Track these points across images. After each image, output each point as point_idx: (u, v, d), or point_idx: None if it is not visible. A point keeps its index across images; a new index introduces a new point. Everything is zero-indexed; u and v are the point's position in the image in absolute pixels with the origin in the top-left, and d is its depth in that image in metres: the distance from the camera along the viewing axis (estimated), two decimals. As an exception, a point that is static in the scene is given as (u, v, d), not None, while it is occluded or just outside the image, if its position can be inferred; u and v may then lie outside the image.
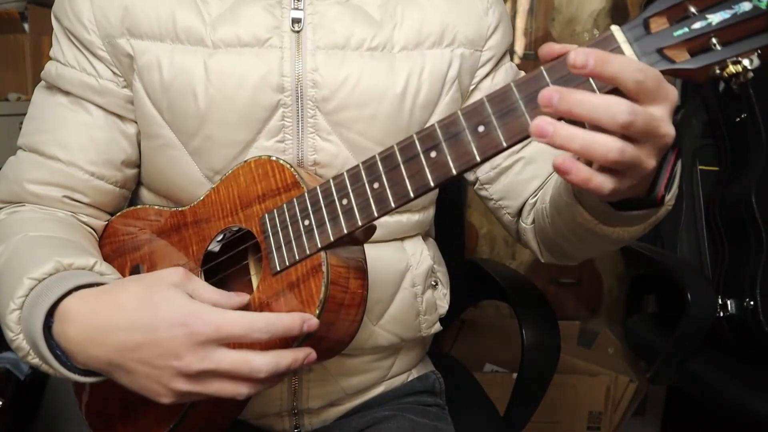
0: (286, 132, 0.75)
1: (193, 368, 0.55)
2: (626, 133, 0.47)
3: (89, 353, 0.59)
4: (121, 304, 0.58)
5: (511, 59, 0.91)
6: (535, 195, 0.85)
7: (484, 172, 0.87)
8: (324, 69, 0.74)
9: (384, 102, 0.76)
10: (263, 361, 0.56)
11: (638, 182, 0.51)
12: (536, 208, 0.83)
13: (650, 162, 0.49)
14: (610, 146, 0.47)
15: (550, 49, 0.50)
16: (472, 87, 0.85)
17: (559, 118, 0.48)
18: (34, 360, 0.62)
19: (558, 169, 0.48)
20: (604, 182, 0.49)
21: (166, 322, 0.56)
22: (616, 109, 0.45)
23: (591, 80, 0.49)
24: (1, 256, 0.67)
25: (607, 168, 0.49)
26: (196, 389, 0.57)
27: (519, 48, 2.11)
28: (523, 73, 0.53)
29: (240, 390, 0.57)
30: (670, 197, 0.61)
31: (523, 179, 0.85)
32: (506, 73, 0.88)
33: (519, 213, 0.88)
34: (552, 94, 0.47)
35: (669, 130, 0.48)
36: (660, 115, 0.48)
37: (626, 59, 0.47)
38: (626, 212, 0.61)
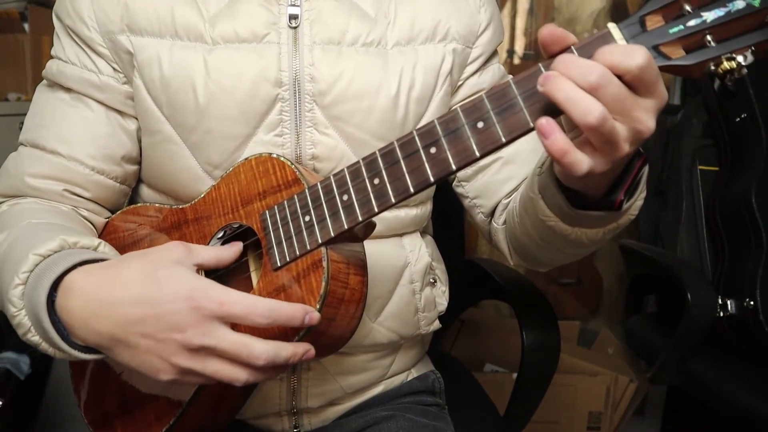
0: (284, 126, 0.76)
1: (194, 342, 0.56)
2: (595, 96, 0.48)
3: (91, 327, 0.59)
4: (124, 279, 0.59)
5: (511, 59, 0.91)
6: (509, 196, 0.85)
7: None
8: (320, 64, 0.75)
9: (379, 96, 0.77)
10: (263, 349, 0.57)
11: (610, 168, 0.52)
12: (508, 209, 0.83)
13: (625, 145, 0.50)
14: (592, 107, 0.48)
15: (551, 30, 0.51)
16: (459, 83, 0.86)
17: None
18: (34, 338, 0.62)
19: (539, 129, 0.49)
20: (580, 159, 0.50)
21: (171, 296, 0.57)
22: (588, 69, 0.48)
23: None
24: (4, 241, 0.68)
25: (585, 143, 0.50)
26: (195, 366, 0.57)
27: (519, 48, 2.10)
28: (510, 76, 0.54)
29: (237, 375, 0.57)
30: (631, 205, 0.62)
31: (499, 179, 0.86)
32: (494, 74, 0.88)
33: (492, 213, 0.88)
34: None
35: (647, 119, 0.50)
36: (644, 105, 0.49)
37: (632, 48, 0.48)
38: (583, 211, 0.61)
